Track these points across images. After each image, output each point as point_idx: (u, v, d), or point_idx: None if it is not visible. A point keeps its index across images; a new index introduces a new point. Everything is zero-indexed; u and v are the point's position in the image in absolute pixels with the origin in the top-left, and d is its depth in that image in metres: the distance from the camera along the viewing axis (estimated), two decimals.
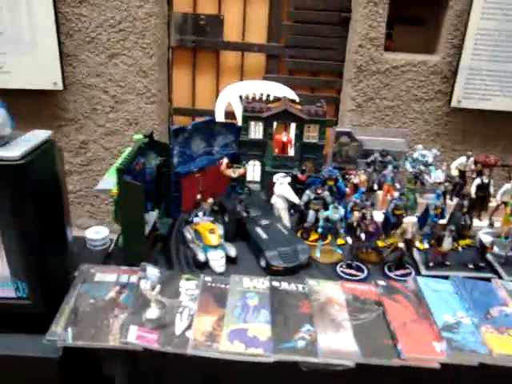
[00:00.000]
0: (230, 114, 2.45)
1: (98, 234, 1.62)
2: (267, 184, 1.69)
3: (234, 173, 1.68)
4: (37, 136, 1.26)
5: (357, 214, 1.45)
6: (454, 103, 2.40)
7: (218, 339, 1.17)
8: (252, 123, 1.69)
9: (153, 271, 1.36)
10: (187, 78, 2.70)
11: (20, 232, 1.21)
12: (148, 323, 1.20)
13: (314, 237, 1.57)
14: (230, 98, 2.50)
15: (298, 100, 1.85)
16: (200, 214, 1.55)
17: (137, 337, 1.16)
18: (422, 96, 2.46)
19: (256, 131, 1.70)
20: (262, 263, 1.45)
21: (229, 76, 2.67)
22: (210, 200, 1.63)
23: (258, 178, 1.81)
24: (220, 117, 2.48)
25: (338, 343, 1.18)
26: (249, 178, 1.77)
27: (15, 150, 1.16)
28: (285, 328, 1.21)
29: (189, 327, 1.20)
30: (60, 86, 2.40)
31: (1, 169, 1.14)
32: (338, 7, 2.48)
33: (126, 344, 1.15)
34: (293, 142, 1.71)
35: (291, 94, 2.54)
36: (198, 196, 1.64)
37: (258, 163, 1.77)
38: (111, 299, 1.28)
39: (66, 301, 1.27)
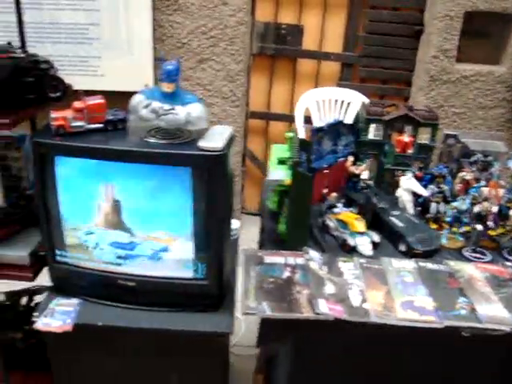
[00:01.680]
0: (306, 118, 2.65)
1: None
2: (387, 180, 1.89)
3: (356, 169, 1.89)
4: (221, 130, 1.43)
5: (486, 205, 1.66)
6: None
7: (393, 310, 1.36)
8: (373, 125, 1.89)
9: (315, 254, 1.54)
10: (264, 83, 2.90)
11: (210, 216, 1.38)
12: (330, 297, 1.38)
13: (433, 226, 1.77)
14: (308, 103, 2.70)
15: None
16: (339, 205, 1.74)
17: (330, 309, 1.34)
18: (488, 104, 2.70)
19: (375, 132, 1.91)
20: (402, 248, 1.64)
21: (304, 83, 2.87)
22: (334, 194, 1.83)
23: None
24: (300, 120, 2.67)
25: (493, 312, 1.38)
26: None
27: (218, 142, 1.33)
28: (445, 300, 1.41)
29: (363, 301, 1.39)
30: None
31: (207, 157, 1.31)
32: (412, 21, 2.71)
33: (318, 314, 1.33)
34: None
35: (365, 100, 2.75)
36: (325, 190, 1.83)
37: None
38: (288, 278, 1.46)
39: (246, 280, 1.45)
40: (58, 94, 1.48)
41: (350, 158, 1.87)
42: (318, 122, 2.74)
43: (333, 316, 1.32)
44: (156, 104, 1.32)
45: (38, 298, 1.97)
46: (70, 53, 2.47)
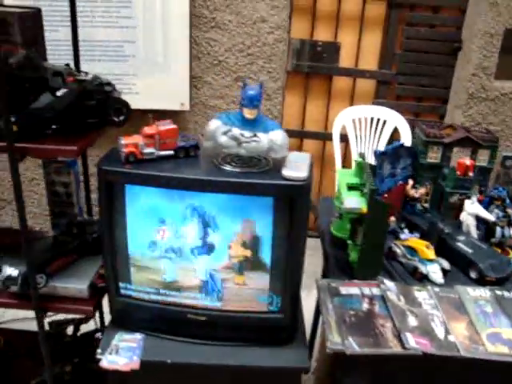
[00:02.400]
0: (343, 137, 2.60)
1: None
2: (447, 203, 1.84)
3: (416, 192, 1.83)
4: (301, 157, 1.37)
5: None
6: None
7: (481, 342, 1.30)
8: (432, 148, 1.84)
9: (390, 284, 1.48)
10: (299, 101, 2.85)
11: (290, 248, 1.32)
12: (415, 330, 1.32)
13: (497, 250, 1.72)
14: (344, 121, 2.65)
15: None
16: (406, 231, 1.68)
17: (417, 343, 1.28)
18: None
19: (433, 155, 1.86)
20: (473, 275, 1.58)
21: (339, 101, 2.83)
22: (393, 218, 1.77)
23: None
24: (336, 139, 2.63)
25: None
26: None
27: (302, 171, 1.27)
28: None
29: (447, 332, 1.33)
30: (187, 107, 2.51)
31: (291, 187, 1.25)
32: (449, 38, 2.68)
33: (407, 349, 1.27)
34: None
35: (400, 119, 2.72)
36: None
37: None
38: (368, 310, 1.39)
39: (325, 312, 1.38)
40: (121, 118, 1.42)
41: (411, 182, 1.83)
42: (353, 140, 2.70)
43: (421, 350, 1.26)
44: (236, 130, 1.26)
45: (83, 328, 1.92)
46: (105, 70, 2.41)
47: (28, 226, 1.41)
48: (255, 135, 1.26)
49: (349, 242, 1.57)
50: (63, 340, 1.86)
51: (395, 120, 2.70)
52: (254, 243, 1.31)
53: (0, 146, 1.26)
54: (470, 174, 1.84)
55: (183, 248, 1.33)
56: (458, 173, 1.84)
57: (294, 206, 1.26)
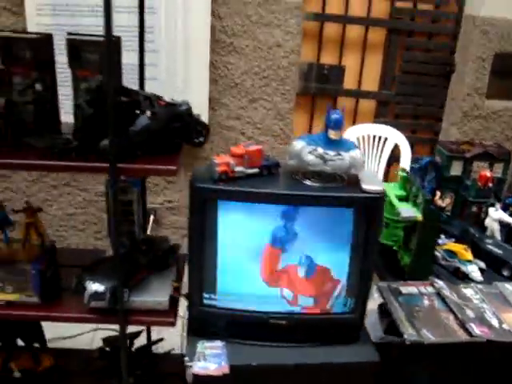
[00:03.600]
0: None
1: None
2: (469, 212, 2.10)
3: (442, 202, 2.09)
4: (373, 174, 1.59)
5: None
6: None
7: None
8: (456, 162, 2.11)
9: (441, 283, 1.71)
10: (306, 120, 3.09)
11: (365, 253, 1.51)
12: (475, 321, 1.55)
13: None
14: (349, 138, 2.90)
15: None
16: (442, 236, 1.92)
17: (480, 331, 1.50)
18: None
19: (456, 168, 2.12)
20: (505, 272, 1.84)
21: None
22: None
23: None
24: None
25: None
26: None
27: (378, 184, 1.48)
28: None
29: (501, 322, 1.56)
30: None
31: (370, 199, 1.46)
32: (444, 61, 3.00)
33: (474, 337, 1.49)
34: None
35: (400, 136, 3.00)
36: None
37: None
38: (430, 306, 1.61)
39: (394, 310, 1.58)
40: (201, 139, 1.58)
41: (438, 193, 2.07)
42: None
43: (485, 338, 1.49)
44: (321, 150, 1.45)
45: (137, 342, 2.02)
46: None
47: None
48: (339, 154, 1.46)
49: (398, 248, 1.80)
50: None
51: (395, 137, 2.98)
52: (334, 252, 1.50)
53: (103, 167, 1.40)
54: (490, 184, 2.12)
55: (267, 259, 1.50)
56: (479, 184, 2.11)
57: (370, 216, 1.47)
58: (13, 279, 1.62)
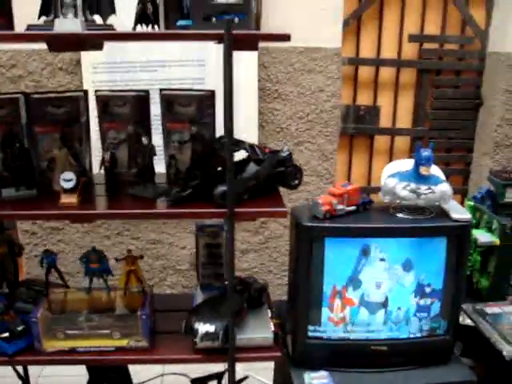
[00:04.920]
0: None
1: None
2: None
3: None
4: (457, 205, 1.77)
5: None
6: None
7: None
8: (509, 189, 2.32)
9: None
10: (346, 159, 3.31)
11: (456, 278, 1.69)
12: None
13: None
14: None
15: None
16: None
17: None
18: None
19: (510, 195, 2.33)
20: None
21: (380, 157, 3.31)
22: None
23: None
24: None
25: None
26: None
27: (466, 213, 1.68)
28: None
29: None
30: None
31: (461, 227, 1.65)
32: (471, 96, 3.27)
33: None
34: None
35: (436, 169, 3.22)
36: None
37: None
38: None
39: (485, 331, 1.76)
40: (296, 182, 1.77)
41: None
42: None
43: None
44: (413, 185, 1.65)
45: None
46: None
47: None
48: (429, 188, 1.66)
49: (473, 272, 1.98)
50: None
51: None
52: (430, 278, 1.68)
53: (221, 213, 1.57)
54: None
55: (372, 292, 1.68)
56: None
57: (460, 243, 1.66)
58: (118, 325, 1.76)
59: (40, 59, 2.80)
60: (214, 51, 2.67)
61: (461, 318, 1.85)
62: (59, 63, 2.78)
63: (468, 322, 1.85)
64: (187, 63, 2.78)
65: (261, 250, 3.10)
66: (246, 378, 2.18)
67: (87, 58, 2.73)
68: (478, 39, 3.20)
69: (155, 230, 3.05)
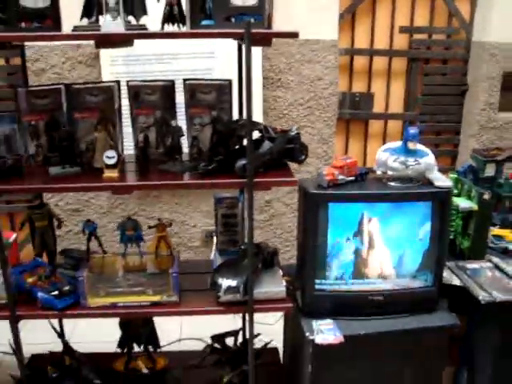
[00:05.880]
0: None
1: None
2: (505, 204, 2.66)
3: None
4: (439, 176, 2.11)
5: None
6: None
7: None
8: (489, 165, 2.67)
9: (496, 258, 2.25)
10: (342, 142, 3.67)
11: (440, 236, 2.04)
12: None
13: None
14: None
15: None
16: None
17: None
18: None
19: (489, 170, 2.69)
20: None
21: (374, 140, 3.66)
22: None
23: None
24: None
25: None
26: None
27: (447, 181, 2.03)
28: None
29: None
30: None
31: (444, 193, 2.00)
32: (458, 82, 3.63)
33: None
34: None
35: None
36: None
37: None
38: (492, 276, 2.16)
39: (465, 281, 2.11)
40: (303, 157, 2.10)
41: None
42: None
43: None
44: (402, 158, 2.00)
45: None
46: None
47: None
48: (416, 160, 2.00)
49: (455, 235, 2.33)
50: (228, 351, 2.42)
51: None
52: (416, 236, 2.03)
53: (241, 182, 1.91)
54: None
55: (367, 247, 2.02)
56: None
57: (443, 206, 2.01)
58: (151, 283, 2.09)
59: (61, 53, 3.12)
60: (222, 44, 2.99)
61: (447, 277, 2.18)
62: (79, 57, 3.11)
63: (453, 280, 2.17)
64: (198, 55, 3.11)
65: (265, 227, 3.45)
66: (258, 334, 2.52)
67: (106, 51, 3.04)
68: (463, 30, 3.55)
69: (168, 210, 3.39)
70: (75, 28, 1.86)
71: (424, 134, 3.70)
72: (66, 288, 2.07)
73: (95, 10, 1.88)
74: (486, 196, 2.24)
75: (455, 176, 2.42)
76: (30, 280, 2.10)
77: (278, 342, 2.65)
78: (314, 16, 3.14)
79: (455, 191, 2.38)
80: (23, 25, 1.86)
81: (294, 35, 1.82)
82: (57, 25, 1.90)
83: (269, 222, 3.45)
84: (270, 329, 2.80)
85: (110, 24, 1.79)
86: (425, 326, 2.06)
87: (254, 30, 1.73)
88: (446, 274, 2.18)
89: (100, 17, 1.85)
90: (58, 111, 2.15)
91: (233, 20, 1.87)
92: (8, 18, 1.84)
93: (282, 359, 2.62)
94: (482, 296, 2.00)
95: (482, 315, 2.10)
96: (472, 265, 2.22)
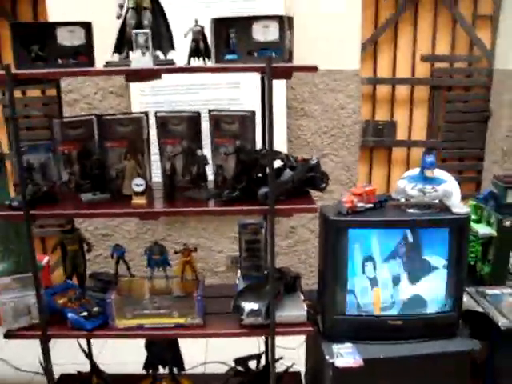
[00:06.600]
0: None
1: None
2: None
3: None
4: (459, 204, 2.18)
5: None
6: None
7: None
8: (510, 191, 2.71)
9: None
10: (366, 169, 3.74)
11: (459, 263, 2.10)
12: None
13: None
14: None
15: None
16: None
17: None
18: None
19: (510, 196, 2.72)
20: None
21: (398, 167, 3.74)
22: None
23: None
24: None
25: None
26: None
27: (465, 208, 2.09)
28: None
29: None
30: None
31: (461, 220, 2.06)
32: (480, 109, 3.69)
33: None
34: None
35: (448, 176, 3.63)
36: None
37: None
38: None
39: (485, 307, 2.15)
40: (323, 186, 2.19)
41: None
42: None
43: None
44: (420, 186, 2.07)
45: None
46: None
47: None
48: (433, 188, 2.07)
49: (475, 261, 2.38)
50: (250, 373, 2.49)
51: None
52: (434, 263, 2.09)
53: (263, 210, 2.00)
54: None
55: (388, 276, 2.09)
56: None
57: (461, 233, 2.07)
58: (177, 306, 2.18)
59: (93, 84, 3.29)
60: (247, 75, 3.12)
61: (467, 303, 2.23)
62: (110, 87, 3.28)
63: (473, 305, 2.21)
64: (224, 86, 3.25)
65: (290, 252, 3.53)
66: (281, 358, 2.58)
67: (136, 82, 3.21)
68: (484, 58, 3.62)
69: (194, 235, 3.50)
70: (107, 64, 2.00)
71: (447, 161, 3.77)
72: (95, 309, 2.18)
73: (126, 47, 2.03)
74: (508, 223, 2.29)
75: (474, 202, 2.47)
76: (60, 301, 2.23)
77: (300, 366, 2.71)
78: (336, 47, 3.26)
79: (475, 217, 2.43)
80: (60, 61, 2.02)
81: (313, 69, 1.92)
82: (91, 60, 2.06)
83: (293, 248, 3.53)
84: (292, 353, 2.86)
85: (140, 60, 1.92)
86: (444, 350, 2.10)
87: (274, 65, 1.85)
88: (466, 299, 2.22)
89: (130, 52, 1.99)
90: (90, 141, 2.29)
91: (255, 54, 1.99)
92: (47, 56, 2.00)
93: (303, 383, 2.67)
94: (502, 322, 2.03)
95: (502, 341, 2.13)
96: (492, 291, 2.25)
